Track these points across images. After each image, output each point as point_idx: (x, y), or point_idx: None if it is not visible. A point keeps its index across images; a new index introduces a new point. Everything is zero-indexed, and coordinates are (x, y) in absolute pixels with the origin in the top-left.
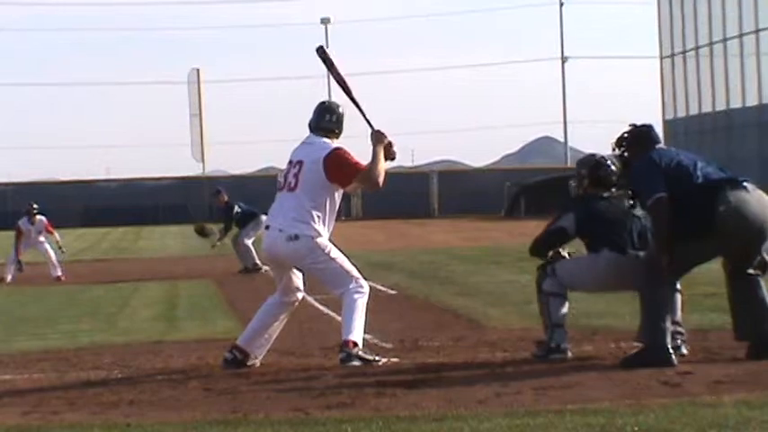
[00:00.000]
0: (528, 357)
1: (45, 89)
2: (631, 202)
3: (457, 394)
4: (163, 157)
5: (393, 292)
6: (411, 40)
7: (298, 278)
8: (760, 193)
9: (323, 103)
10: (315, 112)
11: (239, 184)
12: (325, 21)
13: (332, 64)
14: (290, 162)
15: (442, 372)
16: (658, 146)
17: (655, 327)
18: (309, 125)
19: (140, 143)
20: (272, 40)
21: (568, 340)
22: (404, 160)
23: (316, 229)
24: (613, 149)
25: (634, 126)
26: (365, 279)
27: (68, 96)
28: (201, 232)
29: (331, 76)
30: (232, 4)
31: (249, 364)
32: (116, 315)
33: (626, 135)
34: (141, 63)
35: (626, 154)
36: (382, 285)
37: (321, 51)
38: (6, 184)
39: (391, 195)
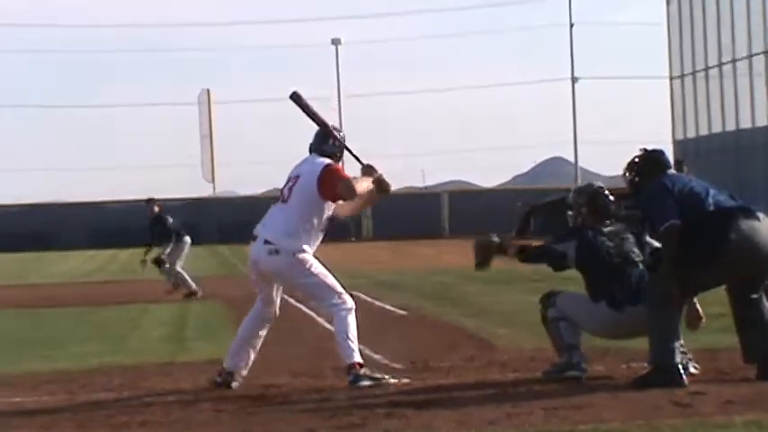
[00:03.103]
0: (539, 377)
1: (52, 111)
2: (640, 227)
3: (468, 415)
4: (173, 177)
5: (403, 312)
6: (421, 60)
7: (278, 292)
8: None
9: (326, 126)
10: (317, 135)
11: (250, 205)
12: (335, 42)
13: (309, 109)
14: (289, 178)
15: (453, 392)
16: (669, 171)
17: (664, 347)
18: (310, 148)
19: (151, 164)
20: (283, 61)
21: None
22: (415, 180)
23: (298, 243)
24: (624, 174)
25: (645, 150)
26: (349, 294)
27: (77, 117)
28: (158, 263)
29: (313, 121)
30: (243, 25)
31: (234, 385)
32: (126, 336)
33: (637, 160)
34: (152, 84)
35: (637, 179)
36: (392, 306)
37: (296, 97)
38: (14, 206)
39: (402, 215)
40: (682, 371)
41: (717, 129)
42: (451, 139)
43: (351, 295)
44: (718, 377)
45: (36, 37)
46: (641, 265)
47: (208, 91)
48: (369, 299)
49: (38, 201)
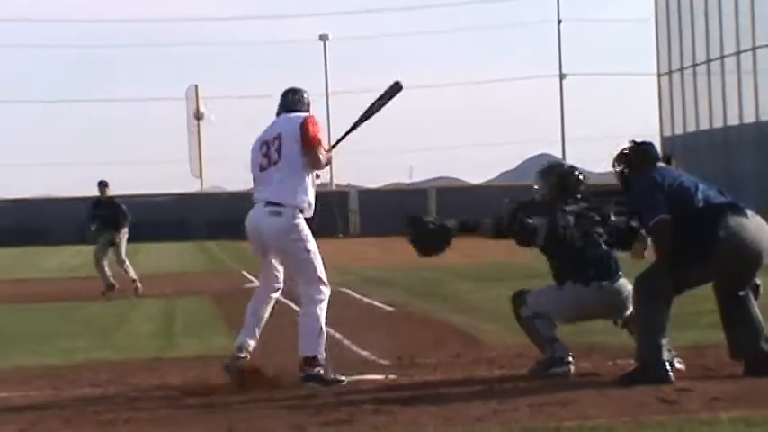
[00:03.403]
0: (526, 374)
1: (40, 106)
2: (633, 223)
3: (454, 411)
4: (161, 173)
5: (391, 308)
6: (408, 57)
7: (279, 269)
8: (759, 219)
9: (291, 89)
10: (284, 97)
11: (238, 200)
12: (323, 38)
13: (389, 99)
14: (266, 141)
15: (440, 389)
16: (659, 164)
17: (651, 344)
18: (280, 110)
19: (138, 159)
20: (271, 57)
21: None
22: (402, 177)
23: (300, 198)
24: (613, 166)
25: (634, 143)
26: (328, 286)
27: (65, 112)
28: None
29: (377, 103)
30: (230, 20)
31: (242, 359)
32: (113, 332)
33: (626, 152)
34: (140, 79)
35: (626, 171)
36: (380, 302)
37: (398, 87)
38: (1, 201)
39: (389, 212)
40: (668, 368)
41: (704, 126)
42: (439, 135)
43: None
44: (704, 374)
45: (25, 33)
46: (604, 246)
47: (196, 87)
48: (356, 295)
49: (25, 196)
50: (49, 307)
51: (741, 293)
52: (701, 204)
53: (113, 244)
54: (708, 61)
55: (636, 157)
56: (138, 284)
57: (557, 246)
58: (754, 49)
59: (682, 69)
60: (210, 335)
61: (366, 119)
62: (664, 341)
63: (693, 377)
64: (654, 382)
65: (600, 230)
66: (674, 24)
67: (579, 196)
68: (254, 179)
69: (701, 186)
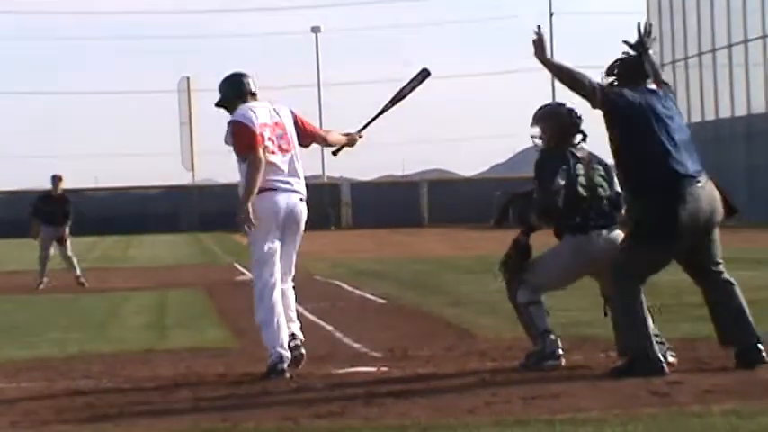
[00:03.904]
0: (518, 367)
1: (32, 97)
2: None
3: (446, 403)
4: (152, 165)
5: (383, 300)
6: (400, 49)
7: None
8: (711, 186)
9: (240, 72)
10: (243, 79)
11: (229, 193)
12: (315, 29)
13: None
14: (266, 125)
15: (432, 381)
16: (649, 80)
17: (637, 334)
18: (242, 94)
19: (130, 152)
20: (263, 49)
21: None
22: (394, 169)
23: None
24: (602, 78)
25: (627, 54)
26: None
27: (57, 105)
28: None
29: (407, 88)
30: (222, 12)
31: (301, 350)
32: (106, 324)
33: (617, 63)
34: (131, 71)
35: (616, 83)
36: (372, 294)
37: (426, 73)
38: None
39: (381, 204)
40: (660, 357)
41: (696, 118)
42: (431, 128)
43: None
44: (696, 366)
45: (16, 23)
46: (606, 201)
47: (188, 79)
48: (348, 287)
49: (14, 188)
50: (42, 299)
51: (714, 269)
52: (668, 167)
53: (59, 240)
54: (699, 54)
55: (627, 69)
56: (84, 280)
57: (568, 192)
58: (745, 42)
59: (673, 62)
60: (203, 327)
61: (394, 104)
62: (648, 329)
63: (685, 370)
64: (646, 373)
65: (604, 184)
66: (665, 17)
67: (578, 142)
68: (268, 161)
69: (673, 150)
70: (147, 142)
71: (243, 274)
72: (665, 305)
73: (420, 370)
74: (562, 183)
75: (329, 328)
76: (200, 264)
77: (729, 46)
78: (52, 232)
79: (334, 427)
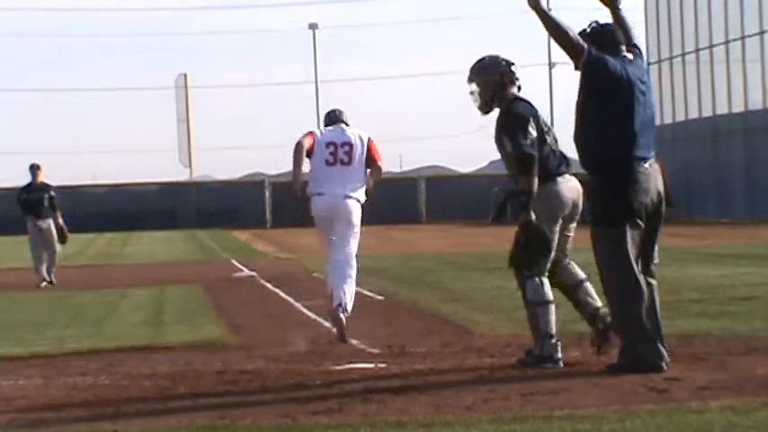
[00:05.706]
0: (516, 364)
1: (30, 94)
2: None
3: (444, 400)
4: (150, 162)
5: (381, 297)
6: (398, 46)
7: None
8: (656, 167)
9: (334, 108)
10: (332, 112)
11: (227, 189)
12: (313, 26)
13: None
14: (333, 143)
15: (430, 377)
16: (622, 47)
17: (635, 327)
18: (331, 120)
19: (127, 148)
20: (260, 46)
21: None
22: (391, 166)
23: (362, 199)
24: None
25: (597, 23)
26: None
27: (54, 101)
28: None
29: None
30: (220, 10)
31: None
32: (103, 321)
33: (587, 31)
34: (129, 68)
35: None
36: (370, 291)
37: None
38: None
39: (379, 201)
40: (659, 349)
41: (693, 115)
42: (428, 123)
43: None
44: (693, 363)
45: (13, 20)
46: (558, 146)
47: (185, 75)
48: None
49: (12, 185)
50: (39, 296)
51: (649, 281)
52: (630, 147)
53: (60, 238)
54: (697, 50)
55: (598, 39)
56: (54, 279)
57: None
58: (743, 38)
59: (671, 58)
60: (200, 324)
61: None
62: (645, 321)
63: (682, 366)
64: (644, 368)
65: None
66: (662, 13)
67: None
68: (315, 169)
69: (640, 119)
70: (144, 139)
71: (240, 270)
72: (662, 302)
73: (418, 366)
74: (535, 133)
75: (327, 324)
76: (197, 260)
77: (727, 42)
78: (37, 231)
79: (332, 424)
